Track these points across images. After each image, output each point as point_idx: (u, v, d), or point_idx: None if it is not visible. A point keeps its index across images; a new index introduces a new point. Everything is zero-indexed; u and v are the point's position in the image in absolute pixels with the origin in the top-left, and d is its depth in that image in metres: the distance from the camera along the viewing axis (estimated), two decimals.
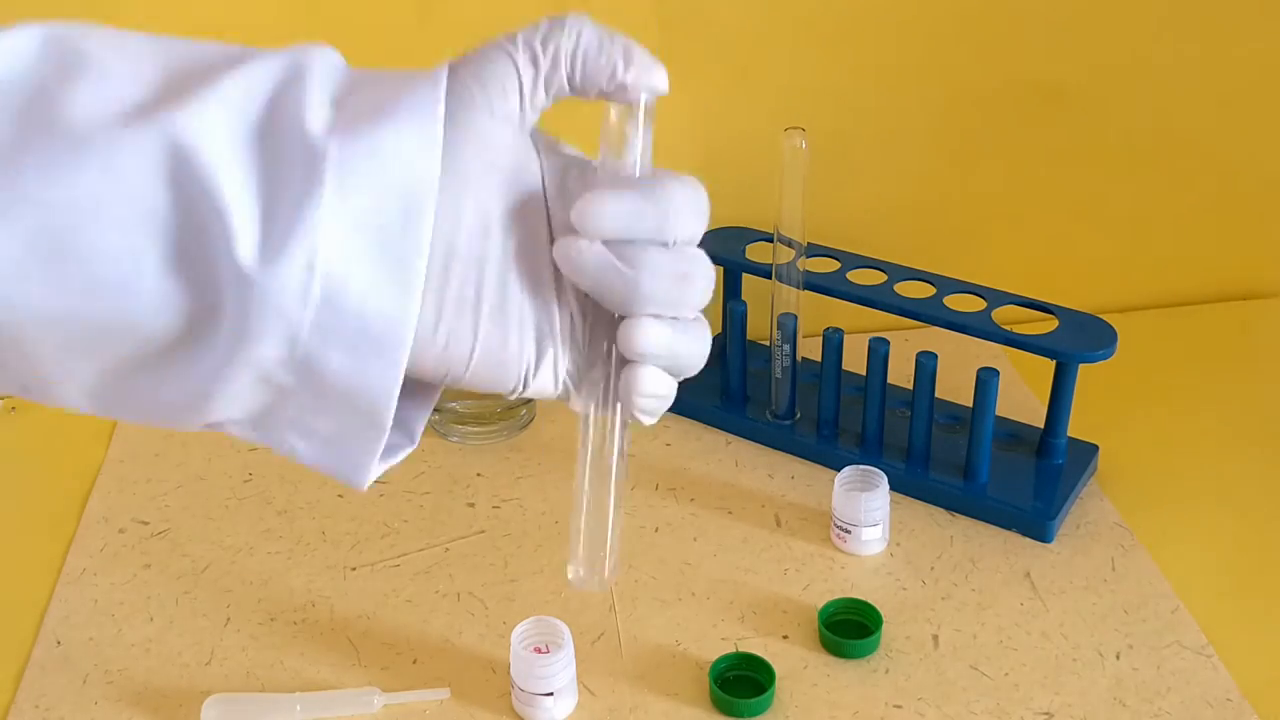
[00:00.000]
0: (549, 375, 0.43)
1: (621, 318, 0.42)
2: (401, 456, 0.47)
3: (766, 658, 0.62)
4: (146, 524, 0.74)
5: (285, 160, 0.38)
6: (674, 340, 0.42)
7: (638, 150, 0.43)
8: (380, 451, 0.43)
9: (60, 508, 0.75)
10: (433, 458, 0.79)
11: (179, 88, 0.39)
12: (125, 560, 0.71)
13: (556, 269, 0.42)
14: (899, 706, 0.61)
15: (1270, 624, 0.67)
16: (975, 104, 0.85)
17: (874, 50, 0.83)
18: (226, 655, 0.64)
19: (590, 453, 0.45)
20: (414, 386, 0.46)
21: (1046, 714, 0.61)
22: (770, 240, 0.77)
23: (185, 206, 0.38)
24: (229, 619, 0.67)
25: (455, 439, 0.80)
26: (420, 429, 0.48)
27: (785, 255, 0.74)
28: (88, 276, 0.38)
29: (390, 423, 0.42)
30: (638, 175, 0.43)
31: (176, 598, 0.68)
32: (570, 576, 0.46)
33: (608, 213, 0.40)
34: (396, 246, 0.39)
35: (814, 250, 0.79)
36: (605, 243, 0.40)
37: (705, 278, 0.42)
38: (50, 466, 0.80)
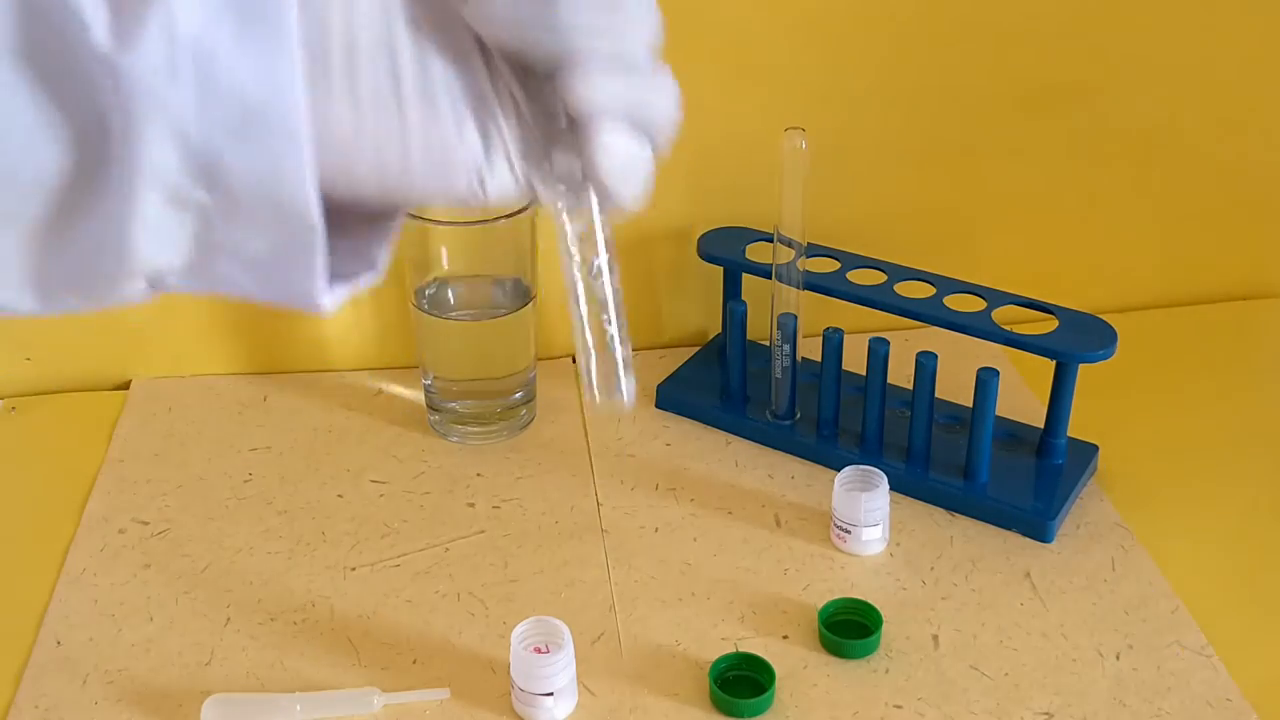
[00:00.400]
0: (503, 167, 0.38)
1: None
2: (363, 283, 0.42)
3: (766, 658, 0.62)
4: (146, 524, 0.74)
5: None
6: (628, 88, 0.37)
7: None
8: (321, 261, 0.38)
9: (60, 508, 0.75)
10: (433, 458, 0.79)
11: None
12: (125, 560, 0.71)
13: (480, 40, 0.37)
14: (899, 706, 0.61)
15: (1270, 624, 0.67)
16: (975, 104, 0.85)
17: (874, 51, 0.83)
18: (226, 655, 0.64)
19: (573, 255, 0.40)
20: (372, 216, 0.41)
21: (1046, 714, 0.61)
22: (770, 240, 0.77)
23: (32, 12, 0.34)
24: (229, 619, 0.67)
25: (455, 439, 0.80)
26: (383, 255, 0.43)
27: (785, 255, 0.74)
28: None
29: (316, 218, 0.36)
30: None
31: (176, 598, 0.68)
32: (587, 399, 0.41)
33: None
34: (261, 1, 0.35)
35: (814, 250, 0.79)
36: None
37: (643, 8, 0.38)
38: (50, 466, 0.80)
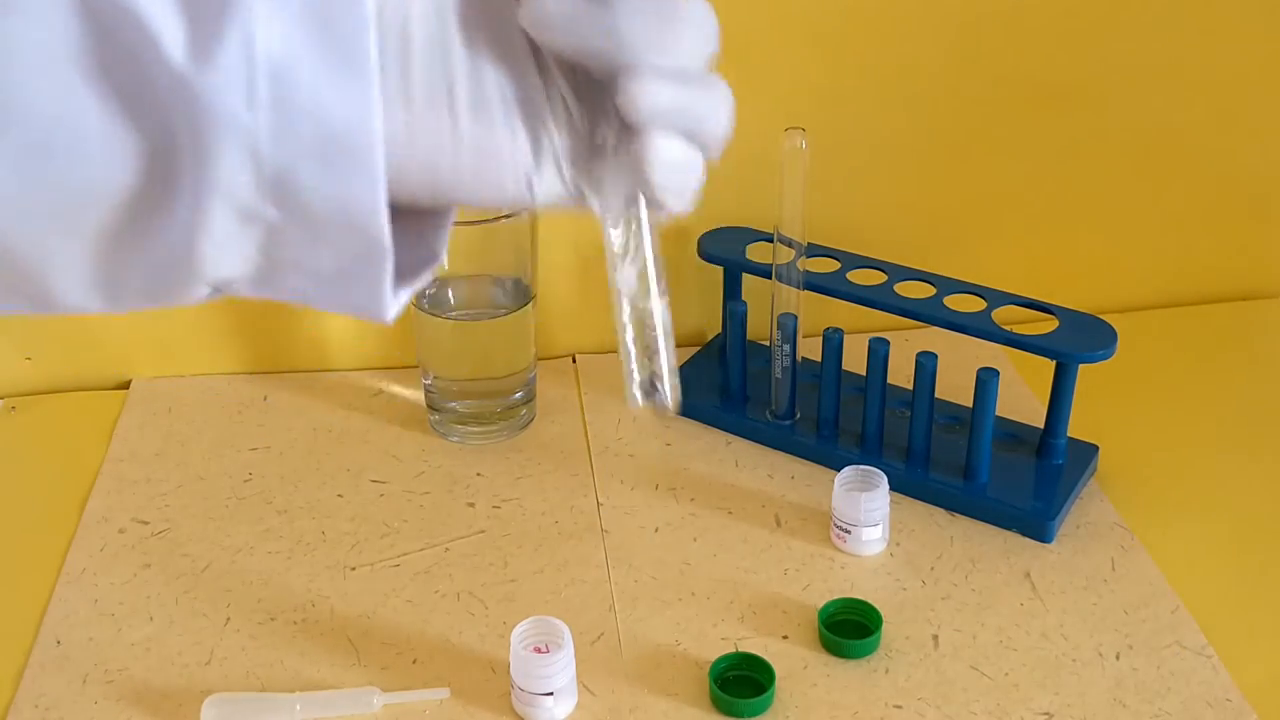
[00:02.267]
0: (552, 172, 0.38)
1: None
2: (427, 276, 0.42)
3: (766, 658, 0.62)
4: (146, 524, 0.74)
5: None
6: (681, 95, 0.37)
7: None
8: (389, 277, 0.38)
9: (60, 508, 0.75)
10: (433, 458, 0.79)
11: None
12: (125, 560, 0.71)
13: (533, 45, 0.37)
14: (899, 706, 0.61)
15: (1270, 624, 0.67)
16: (975, 104, 0.85)
17: (874, 51, 0.83)
18: (226, 655, 0.64)
19: (619, 261, 0.40)
20: (425, 210, 0.41)
21: (1046, 714, 0.61)
22: (770, 240, 0.77)
23: (105, 30, 0.34)
24: (229, 619, 0.67)
25: (455, 439, 0.80)
26: (443, 244, 0.43)
27: (785, 255, 0.74)
28: (25, 138, 0.35)
29: (387, 239, 0.37)
30: None
31: (176, 598, 0.68)
32: (629, 402, 0.41)
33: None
34: (339, 24, 0.34)
35: (814, 250, 0.79)
36: None
37: (700, 19, 0.38)
38: (50, 466, 0.80)
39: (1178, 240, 0.93)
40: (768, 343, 0.78)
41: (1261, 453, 0.79)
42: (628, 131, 0.37)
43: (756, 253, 0.80)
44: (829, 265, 0.78)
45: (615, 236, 0.40)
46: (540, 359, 0.83)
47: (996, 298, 0.74)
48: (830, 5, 0.81)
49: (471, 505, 0.75)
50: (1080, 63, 0.85)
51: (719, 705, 0.61)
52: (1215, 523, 0.73)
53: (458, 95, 0.36)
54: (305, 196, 0.36)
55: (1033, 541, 0.71)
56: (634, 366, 0.41)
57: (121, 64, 0.35)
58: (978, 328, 0.72)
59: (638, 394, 0.41)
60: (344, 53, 0.34)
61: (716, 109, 0.38)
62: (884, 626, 0.65)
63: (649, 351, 0.41)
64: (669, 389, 0.41)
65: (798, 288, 0.75)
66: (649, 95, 0.36)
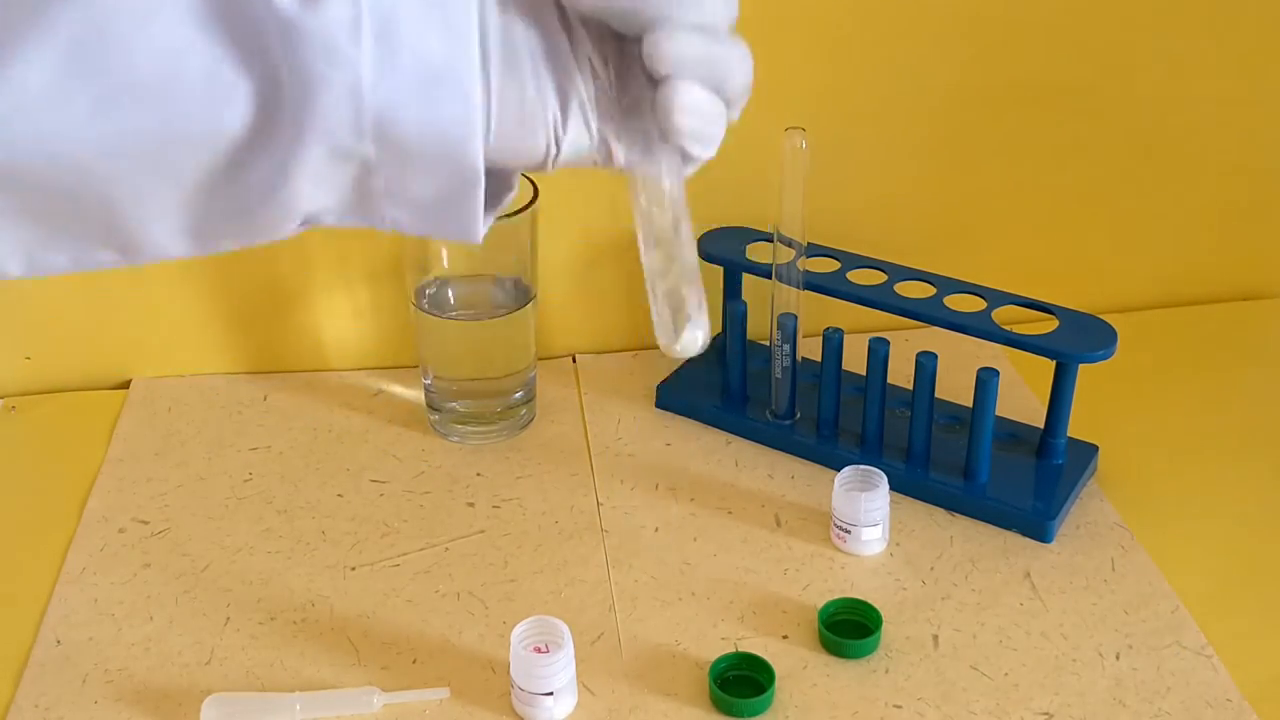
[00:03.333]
0: (579, 123, 0.40)
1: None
2: (507, 201, 0.45)
3: (766, 658, 0.62)
4: (146, 524, 0.74)
5: None
6: (706, 47, 0.39)
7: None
8: (480, 201, 0.41)
9: (60, 507, 0.75)
10: (433, 458, 0.79)
11: None
12: (125, 560, 0.71)
13: (560, 7, 0.40)
14: (899, 706, 0.61)
15: (1270, 624, 0.67)
16: (975, 104, 0.85)
17: (874, 50, 0.83)
18: (226, 655, 0.64)
19: (648, 215, 0.42)
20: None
21: (1046, 714, 0.61)
22: (770, 240, 0.76)
23: None
24: (229, 619, 0.67)
25: (455, 439, 0.80)
26: (516, 174, 0.45)
27: (785, 255, 0.74)
28: (135, 83, 0.36)
29: (481, 165, 0.39)
30: None
31: (176, 597, 0.68)
32: (663, 345, 0.42)
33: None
34: None
35: (814, 250, 0.79)
36: None
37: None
38: (50, 466, 0.80)
39: (1178, 240, 0.93)
40: (768, 343, 0.78)
41: (1261, 453, 0.79)
42: (653, 85, 0.39)
43: (756, 253, 0.80)
44: (829, 265, 0.78)
45: (642, 187, 0.41)
46: (540, 359, 0.83)
47: (996, 298, 0.74)
48: (830, 5, 0.81)
49: (471, 505, 0.75)
50: (1080, 63, 0.85)
51: (719, 705, 0.61)
52: (1215, 523, 0.73)
53: (489, 51, 0.38)
54: (403, 132, 0.38)
55: (1033, 541, 0.71)
56: (665, 315, 0.42)
57: (233, 10, 0.37)
58: (978, 328, 0.72)
59: (670, 338, 0.42)
60: None
61: (740, 63, 0.40)
62: (884, 626, 0.65)
63: (678, 298, 0.42)
64: (701, 330, 0.42)
65: (798, 288, 0.75)
66: (676, 45, 0.38)
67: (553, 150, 0.40)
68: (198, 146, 0.38)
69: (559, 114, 0.39)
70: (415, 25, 0.37)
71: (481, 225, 0.41)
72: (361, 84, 0.37)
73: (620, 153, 0.41)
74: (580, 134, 0.40)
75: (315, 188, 0.39)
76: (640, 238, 0.42)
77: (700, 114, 0.40)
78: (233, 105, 0.37)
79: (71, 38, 0.35)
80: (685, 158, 0.41)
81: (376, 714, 0.61)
